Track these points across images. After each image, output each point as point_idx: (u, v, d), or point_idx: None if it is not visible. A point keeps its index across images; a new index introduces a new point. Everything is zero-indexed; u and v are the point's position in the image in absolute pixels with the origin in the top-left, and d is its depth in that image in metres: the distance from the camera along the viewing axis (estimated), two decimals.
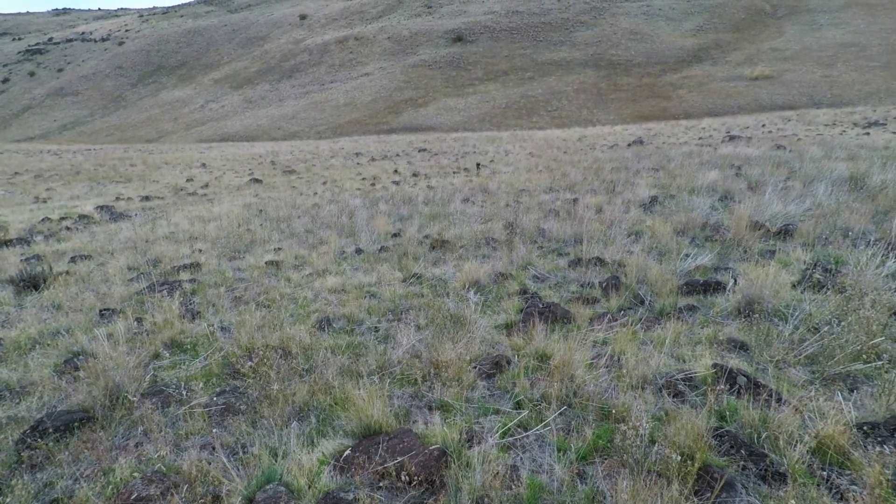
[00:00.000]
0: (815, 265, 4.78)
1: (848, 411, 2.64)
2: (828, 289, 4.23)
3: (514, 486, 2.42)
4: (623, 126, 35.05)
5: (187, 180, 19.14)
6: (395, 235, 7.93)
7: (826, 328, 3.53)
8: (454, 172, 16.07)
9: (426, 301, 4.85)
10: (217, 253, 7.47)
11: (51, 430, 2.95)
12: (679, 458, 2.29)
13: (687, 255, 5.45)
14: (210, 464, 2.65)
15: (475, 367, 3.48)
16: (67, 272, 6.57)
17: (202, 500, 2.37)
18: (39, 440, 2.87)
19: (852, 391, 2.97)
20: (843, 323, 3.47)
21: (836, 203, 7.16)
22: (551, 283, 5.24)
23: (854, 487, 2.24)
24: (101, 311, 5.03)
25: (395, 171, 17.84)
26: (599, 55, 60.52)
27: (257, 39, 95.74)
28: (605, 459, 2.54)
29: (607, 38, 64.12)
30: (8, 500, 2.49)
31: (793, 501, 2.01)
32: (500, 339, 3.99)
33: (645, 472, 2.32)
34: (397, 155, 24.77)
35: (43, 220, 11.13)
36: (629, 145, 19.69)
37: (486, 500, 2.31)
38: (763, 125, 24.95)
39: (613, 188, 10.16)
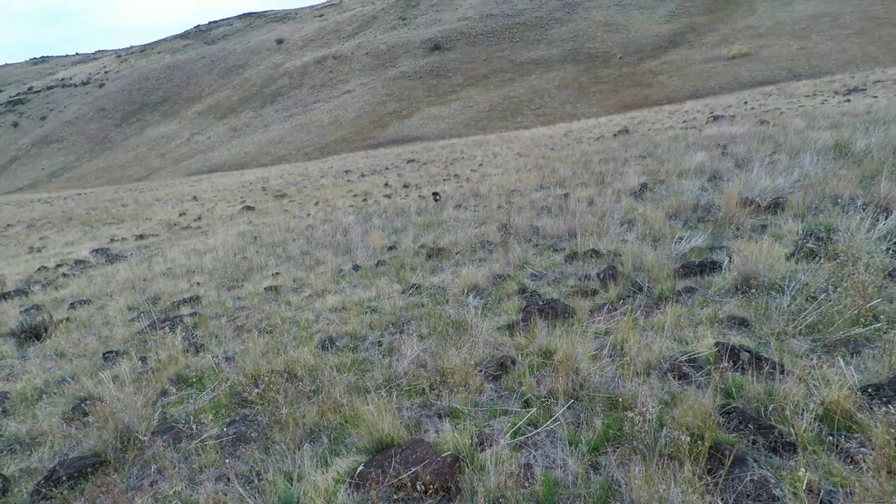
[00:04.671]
0: (808, 235, 4.82)
1: (851, 375, 2.66)
2: (821, 257, 4.26)
3: (528, 485, 2.43)
4: (607, 117, 35.24)
5: (180, 214, 19.17)
6: (390, 248, 7.95)
7: (823, 296, 3.56)
8: (444, 180, 16.14)
9: (427, 310, 4.87)
10: (215, 284, 7.48)
11: (64, 478, 2.95)
12: (689, 438, 2.31)
13: (681, 239, 5.48)
14: (226, 494, 2.65)
15: (481, 371, 3.50)
16: (68, 319, 6.57)
17: None
18: (54, 489, 2.87)
19: (854, 355, 2.99)
20: (839, 289, 3.50)
21: (822, 172, 7.21)
22: (549, 280, 5.27)
23: (863, 449, 2.26)
24: (104, 354, 5.03)
25: (386, 184, 17.90)
26: (577, 50, 61.00)
27: (237, 68, 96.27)
28: (617, 448, 2.55)
29: (583, 33, 64.68)
30: None
31: (804, 469, 2.02)
32: (503, 340, 4.01)
33: (657, 456, 2.34)
34: (386, 168, 24.86)
35: (39, 269, 11.13)
36: (615, 135, 19.79)
37: (502, 500, 2.32)
38: (745, 102, 25.12)
39: (603, 180, 10.21)
